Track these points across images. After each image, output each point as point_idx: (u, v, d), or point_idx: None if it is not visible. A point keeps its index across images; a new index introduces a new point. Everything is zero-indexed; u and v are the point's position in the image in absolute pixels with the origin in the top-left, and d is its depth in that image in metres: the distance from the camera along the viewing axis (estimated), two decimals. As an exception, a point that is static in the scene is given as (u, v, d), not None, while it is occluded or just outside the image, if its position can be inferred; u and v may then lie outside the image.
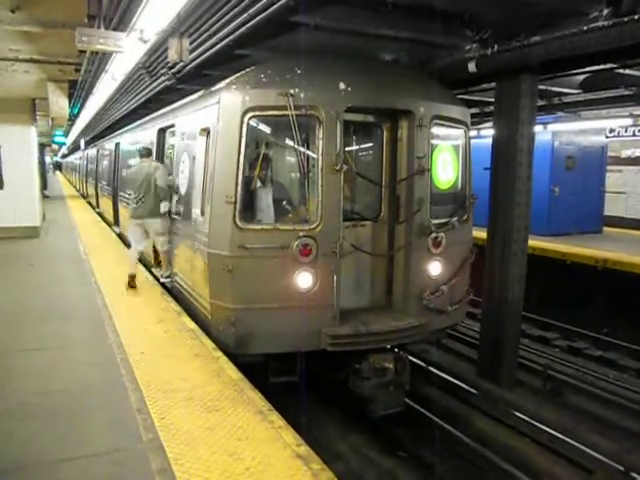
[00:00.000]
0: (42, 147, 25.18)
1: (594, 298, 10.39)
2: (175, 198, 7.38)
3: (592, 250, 10.58)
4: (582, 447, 6.17)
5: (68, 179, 46.36)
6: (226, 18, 5.49)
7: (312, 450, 3.37)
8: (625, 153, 19.00)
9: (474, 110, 11.08)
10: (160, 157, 8.65)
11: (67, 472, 3.23)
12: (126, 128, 14.29)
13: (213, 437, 3.49)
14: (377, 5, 5.32)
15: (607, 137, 14.51)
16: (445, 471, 6.09)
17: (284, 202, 6.08)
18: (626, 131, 15.11)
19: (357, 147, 6.78)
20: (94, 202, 20.43)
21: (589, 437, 6.36)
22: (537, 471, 6.03)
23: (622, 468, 5.82)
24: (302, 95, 5.42)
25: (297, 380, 5.68)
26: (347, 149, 6.06)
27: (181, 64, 6.94)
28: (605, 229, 14.05)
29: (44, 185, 16.78)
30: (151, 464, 3.18)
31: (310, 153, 5.69)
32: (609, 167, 15.58)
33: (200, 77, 8.12)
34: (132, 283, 7.50)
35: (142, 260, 9.65)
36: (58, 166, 64.88)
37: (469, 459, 6.32)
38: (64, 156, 55.38)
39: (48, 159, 39.01)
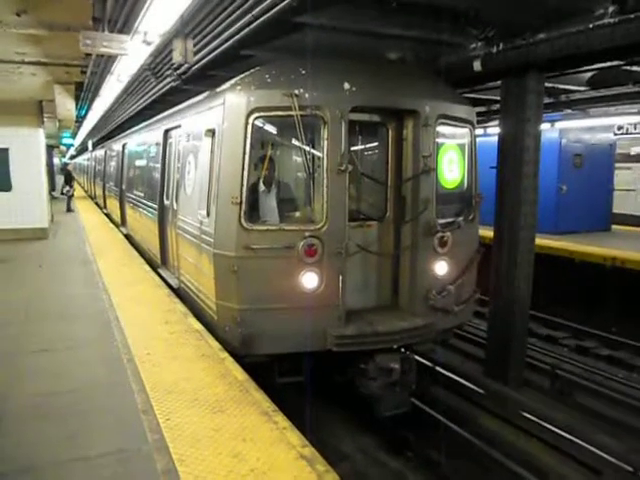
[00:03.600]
0: (50, 149, 25.34)
1: (602, 297, 10.31)
2: (181, 199, 7.40)
3: (600, 248, 10.51)
4: (590, 447, 6.14)
5: (76, 180, 46.59)
6: (230, 19, 5.51)
7: (318, 451, 3.37)
8: (635, 150, 18.89)
9: (480, 109, 11.04)
10: (166, 158, 8.69)
11: (75, 472, 3.26)
12: (133, 129, 14.34)
13: (218, 438, 3.50)
14: (382, 4, 5.32)
15: (615, 134, 14.41)
16: (452, 471, 6.08)
17: (289, 202, 6.08)
18: (635, 128, 15.01)
19: (362, 147, 6.76)
20: (101, 203, 20.52)
21: (597, 437, 6.31)
22: (545, 471, 6.01)
23: (631, 469, 5.79)
24: (307, 95, 5.41)
25: (303, 380, 5.69)
26: (352, 149, 6.06)
27: (186, 65, 6.95)
28: (614, 227, 13.95)
29: (52, 186, 16.92)
30: (156, 465, 3.20)
31: (315, 153, 5.68)
32: (618, 164, 15.46)
33: (205, 78, 8.14)
34: None
35: (149, 261, 9.70)
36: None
37: (476, 459, 6.30)
38: (72, 157, 55.48)
39: (57, 160, 39.18)
